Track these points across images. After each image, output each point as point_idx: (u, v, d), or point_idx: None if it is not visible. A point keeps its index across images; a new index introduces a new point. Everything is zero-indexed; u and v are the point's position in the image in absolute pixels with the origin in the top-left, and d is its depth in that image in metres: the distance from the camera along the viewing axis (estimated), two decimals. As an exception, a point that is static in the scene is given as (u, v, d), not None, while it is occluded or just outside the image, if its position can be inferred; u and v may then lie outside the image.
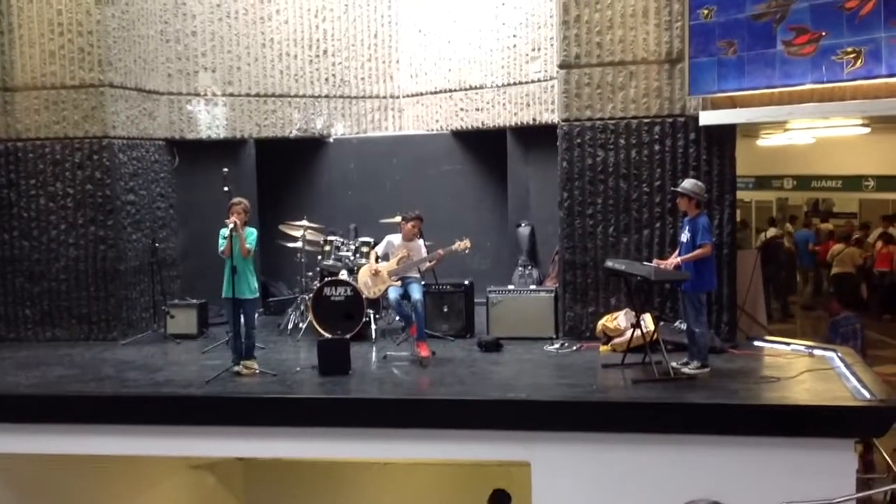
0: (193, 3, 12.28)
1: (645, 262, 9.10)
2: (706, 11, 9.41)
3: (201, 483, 11.80)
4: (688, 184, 8.75)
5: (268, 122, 12.77)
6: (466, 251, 9.76)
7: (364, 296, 10.29)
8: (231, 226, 8.81)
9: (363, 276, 10.08)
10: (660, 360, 8.51)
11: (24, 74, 10.94)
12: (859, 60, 8.45)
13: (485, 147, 12.86)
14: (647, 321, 9.04)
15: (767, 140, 19.47)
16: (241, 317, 9.11)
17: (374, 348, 10.29)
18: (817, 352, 9.36)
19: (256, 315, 9.76)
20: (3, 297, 11.20)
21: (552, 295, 10.55)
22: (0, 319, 11.21)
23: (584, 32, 10.05)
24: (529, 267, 12.26)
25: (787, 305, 18.83)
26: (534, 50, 11.82)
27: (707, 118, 9.65)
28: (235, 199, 9.05)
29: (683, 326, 9.06)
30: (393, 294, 9.66)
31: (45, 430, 8.47)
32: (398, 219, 10.21)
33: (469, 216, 12.77)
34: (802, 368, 8.63)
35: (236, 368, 8.99)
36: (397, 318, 10.39)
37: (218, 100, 12.50)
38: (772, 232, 20.67)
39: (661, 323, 9.26)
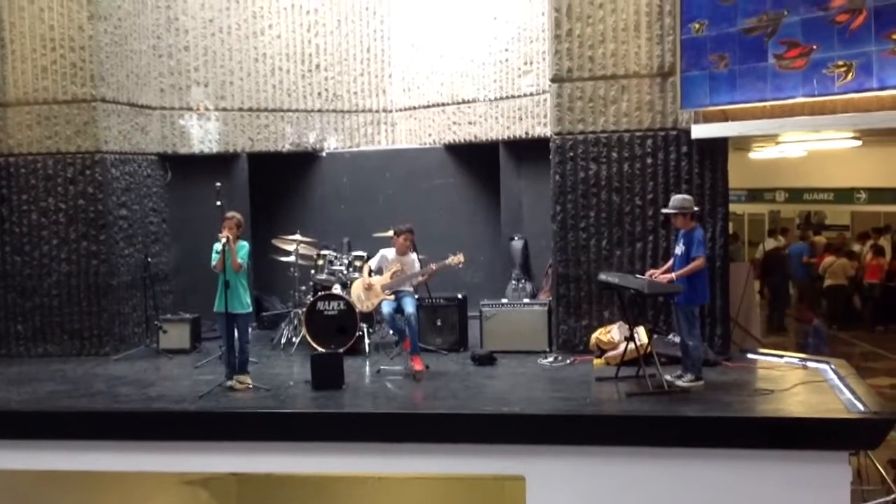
0: (186, 19, 12.28)
1: (638, 275, 9.10)
2: (698, 25, 9.45)
3: (194, 499, 11.74)
4: (675, 201, 8.74)
5: (260, 137, 12.77)
6: (460, 266, 9.76)
7: (357, 310, 10.27)
8: (224, 240, 8.80)
9: (356, 289, 10.07)
10: (654, 373, 8.50)
11: (16, 90, 10.93)
12: (850, 74, 8.49)
13: (477, 161, 12.87)
14: (641, 334, 9.03)
15: (759, 153, 19.47)
16: (234, 331, 9.10)
17: (367, 362, 10.26)
18: (811, 364, 9.38)
19: (250, 329, 9.74)
20: (-5, 312, 11.18)
21: (546, 308, 10.55)
22: (-8, 335, 11.19)
23: (576, 46, 10.08)
24: (523, 280, 12.25)
25: (782, 318, 18.89)
26: (526, 64, 11.84)
27: (699, 131, 9.67)
28: (228, 214, 9.05)
29: (677, 339, 9.06)
30: (386, 308, 9.65)
31: (36, 445, 8.43)
32: (391, 233, 10.21)
33: (462, 230, 12.77)
34: (796, 381, 8.64)
35: (229, 383, 8.97)
36: (391, 332, 10.36)
37: (210, 114, 12.50)
38: (772, 243, 20.75)
39: (655, 336, 9.25)
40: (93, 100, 10.84)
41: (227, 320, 8.97)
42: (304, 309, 10.70)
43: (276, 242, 11.63)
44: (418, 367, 9.45)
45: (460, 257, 9.67)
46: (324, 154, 13.34)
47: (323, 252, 11.41)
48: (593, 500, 7.60)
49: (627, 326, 9.14)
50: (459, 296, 10.93)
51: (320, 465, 8.51)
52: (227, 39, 12.51)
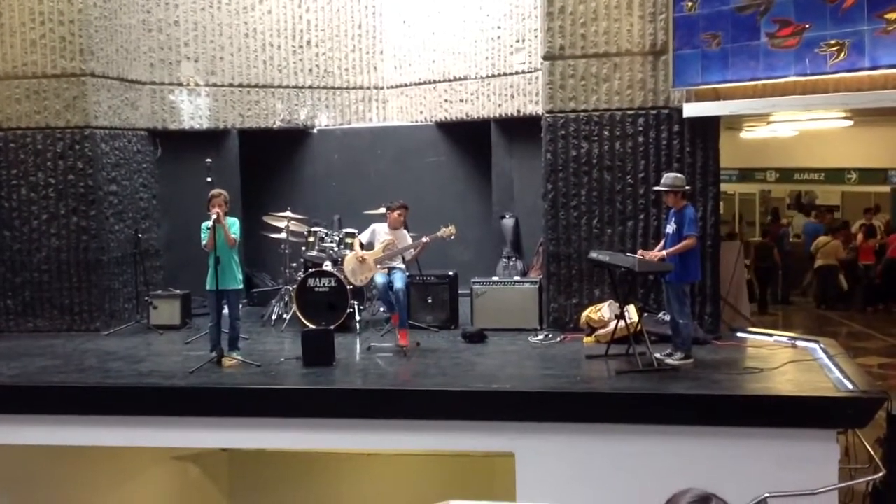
0: (176, -7, 12.21)
1: (629, 254, 9.11)
2: (690, 4, 9.42)
3: (184, 474, 11.77)
4: (668, 179, 8.73)
5: (251, 113, 12.71)
6: (452, 237, 9.75)
7: (350, 285, 10.26)
8: (214, 217, 8.78)
9: (349, 263, 10.04)
10: (643, 351, 8.52)
11: (4, 63, 10.84)
12: (843, 53, 8.48)
13: (469, 138, 12.84)
14: (631, 312, 9.06)
15: (751, 132, 19.54)
16: (226, 307, 9.11)
17: (358, 339, 10.27)
18: (800, 343, 9.41)
19: (241, 306, 9.73)
20: (-15, 287, 11.14)
21: (536, 286, 10.55)
22: (-19, 310, 11.15)
23: (568, 24, 10.05)
24: (513, 258, 12.27)
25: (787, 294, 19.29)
26: (518, 41, 11.81)
27: (691, 110, 9.66)
28: (215, 191, 9.02)
29: (667, 317, 9.09)
30: (380, 279, 9.61)
31: (26, 420, 8.42)
32: (382, 210, 10.20)
33: (453, 207, 12.74)
34: (785, 359, 8.67)
35: (214, 357, 8.94)
36: (381, 308, 10.36)
37: (201, 90, 12.43)
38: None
39: (645, 314, 9.28)
40: (82, 74, 10.77)
41: (216, 296, 8.97)
42: (295, 286, 10.70)
43: (267, 219, 11.61)
44: (403, 341, 9.44)
45: (452, 229, 9.66)
46: (315, 131, 13.30)
47: (314, 229, 11.38)
48: (583, 477, 7.63)
49: (618, 304, 9.16)
50: (450, 273, 10.93)
51: (311, 440, 8.53)
52: (218, 14, 12.43)
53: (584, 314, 9.99)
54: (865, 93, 8.73)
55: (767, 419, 7.41)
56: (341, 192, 13.10)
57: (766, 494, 7.01)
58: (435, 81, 12.87)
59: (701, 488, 2.63)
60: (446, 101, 12.77)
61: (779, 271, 19.48)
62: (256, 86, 12.70)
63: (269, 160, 13.26)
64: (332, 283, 10.51)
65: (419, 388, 8.27)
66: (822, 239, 19.27)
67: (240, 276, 9.20)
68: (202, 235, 8.94)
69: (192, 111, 12.41)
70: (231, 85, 12.58)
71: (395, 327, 9.67)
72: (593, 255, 9.33)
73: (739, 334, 10.04)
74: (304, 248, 11.33)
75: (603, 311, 9.82)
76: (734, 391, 7.83)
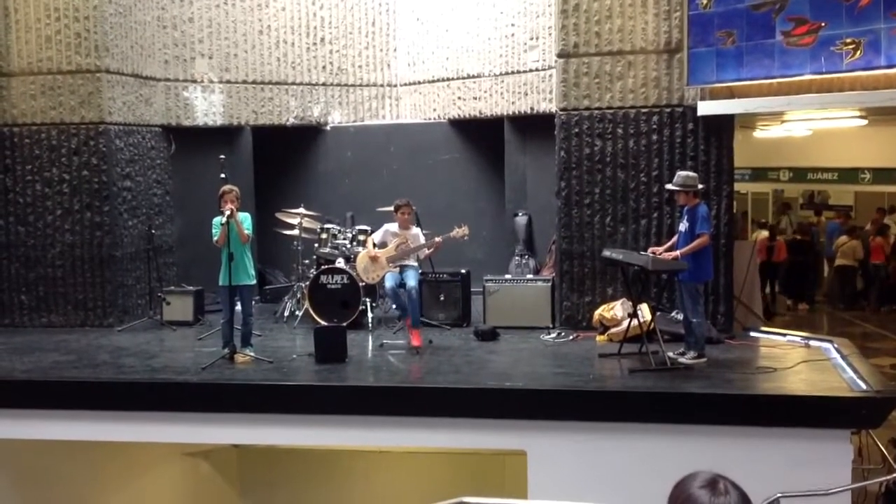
0: (190, -11, 12.23)
1: (642, 252, 9.09)
2: (705, 1, 9.39)
3: (195, 470, 11.81)
4: (679, 178, 8.69)
5: (265, 110, 12.72)
6: (465, 238, 9.73)
7: (362, 282, 10.26)
8: (227, 213, 8.79)
9: (362, 261, 10.02)
10: (656, 349, 8.49)
11: (20, 59, 10.88)
12: (858, 51, 8.44)
13: (482, 136, 12.82)
14: (644, 311, 9.03)
15: (764, 132, 19.47)
16: (239, 303, 9.12)
17: (370, 336, 10.28)
18: (813, 343, 9.37)
19: (253, 302, 9.74)
20: (-1, 282, 11.19)
21: (549, 284, 10.54)
22: (-5, 305, 11.20)
23: (582, 21, 10.03)
24: (526, 256, 12.25)
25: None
26: (532, 39, 11.78)
27: (705, 108, 9.63)
28: (227, 187, 9.03)
29: (680, 316, 9.06)
30: (389, 282, 9.59)
31: (40, 415, 8.46)
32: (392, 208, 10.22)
33: (466, 205, 12.75)
34: (799, 359, 8.64)
35: (228, 352, 8.96)
36: (394, 306, 10.37)
37: (215, 86, 12.45)
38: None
39: (658, 313, 9.24)
40: (97, 70, 10.80)
41: (229, 292, 8.98)
42: (308, 282, 10.70)
43: (280, 216, 11.62)
44: (416, 342, 9.43)
45: (465, 229, 9.64)
46: (328, 128, 13.31)
47: (327, 226, 11.40)
48: (595, 476, 7.62)
49: (631, 303, 9.14)
50: (463, 271, 10.91)
51: (322, 437, 8.54)
52: (232, 11, 12.44)
53: (597, 312, 9.98)
54: (881, 91, 8.70)
55: (780, 419, 7.39)
56: (354, 190, 13.11)
57: (779, 494, 6.98)
58: (448, 79, 12.85)
59: (709, 471, 2.62)
60: (460, 98, 12.75)
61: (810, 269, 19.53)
62: (270, 83, 12.71)
63: (283, 157, 13.27)
64: (345, 280, 10.52)
65: (431, 386, 8.27)
66: (841, 239, 19.22)
67: (252, 272, 9.22)
68: (214, 231, 8.96)
69: (206, 108, 12.42)
70: (245, 82, 12.59)
71: (407, 327, 9.64)
72: (606, 253, 9.31)
73: (752, 333, 10.00)
74: (316, 245, 11.34)
75: (616, 309, 9.80)
76: (747, 391, 7.80)
